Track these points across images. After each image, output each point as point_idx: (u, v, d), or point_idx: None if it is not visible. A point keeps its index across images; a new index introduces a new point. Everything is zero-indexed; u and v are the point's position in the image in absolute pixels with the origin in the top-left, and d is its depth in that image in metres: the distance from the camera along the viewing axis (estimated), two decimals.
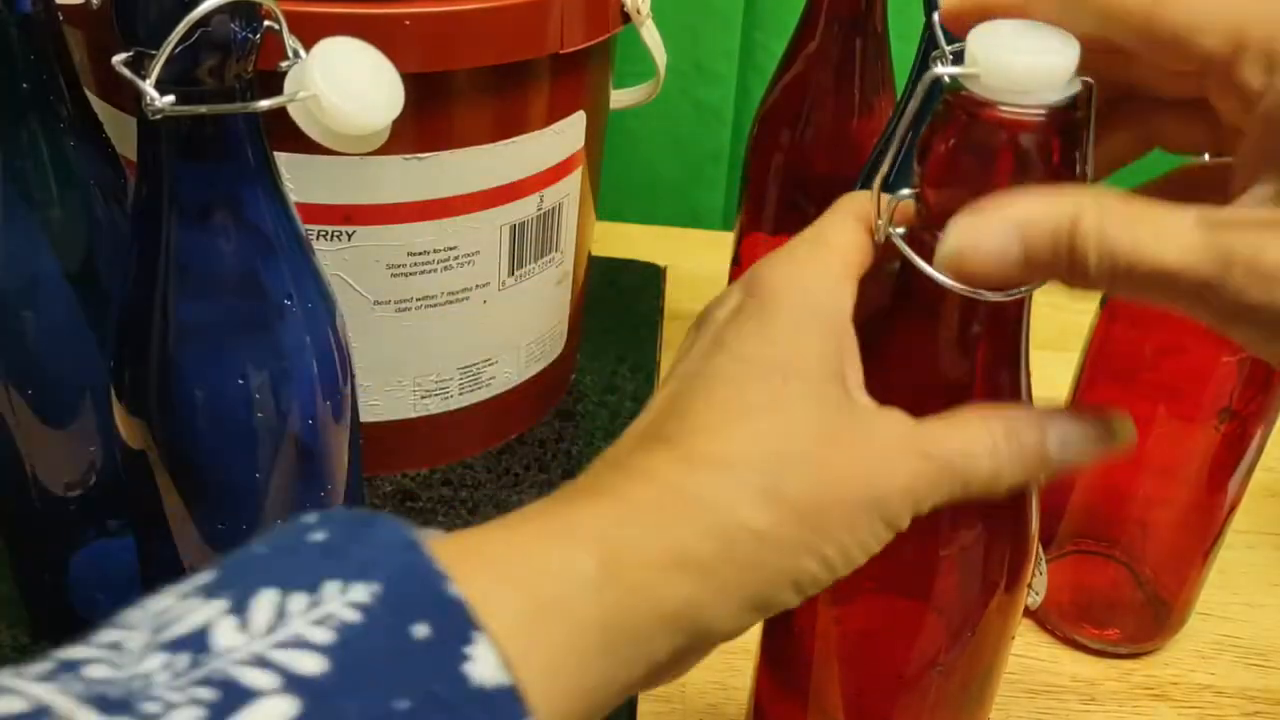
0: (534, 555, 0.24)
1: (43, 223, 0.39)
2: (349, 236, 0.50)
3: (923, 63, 0.49)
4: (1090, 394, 0.50)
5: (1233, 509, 0.49)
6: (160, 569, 0.39)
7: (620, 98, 0.62)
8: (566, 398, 0.66)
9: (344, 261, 0.50)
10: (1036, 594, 0.53)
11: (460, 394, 0.57)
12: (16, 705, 0.18)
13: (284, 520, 0.37)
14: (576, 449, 0.62)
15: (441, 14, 0.46)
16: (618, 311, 0.74)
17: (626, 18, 0.54)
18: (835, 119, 0.61)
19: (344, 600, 0.20)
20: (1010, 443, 0.27)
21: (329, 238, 0.49)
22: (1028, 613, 0.54)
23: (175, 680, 0.19)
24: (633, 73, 0.64)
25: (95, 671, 0.19)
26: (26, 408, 0.41)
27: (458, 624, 0.21)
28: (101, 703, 0.18)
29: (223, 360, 0.35)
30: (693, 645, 0.25)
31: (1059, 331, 0.64)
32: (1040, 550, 0.52)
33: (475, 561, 0.23)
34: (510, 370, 0.59)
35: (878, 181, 0.29)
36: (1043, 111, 0.27)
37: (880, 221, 0.29)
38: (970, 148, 0.27)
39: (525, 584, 0.23)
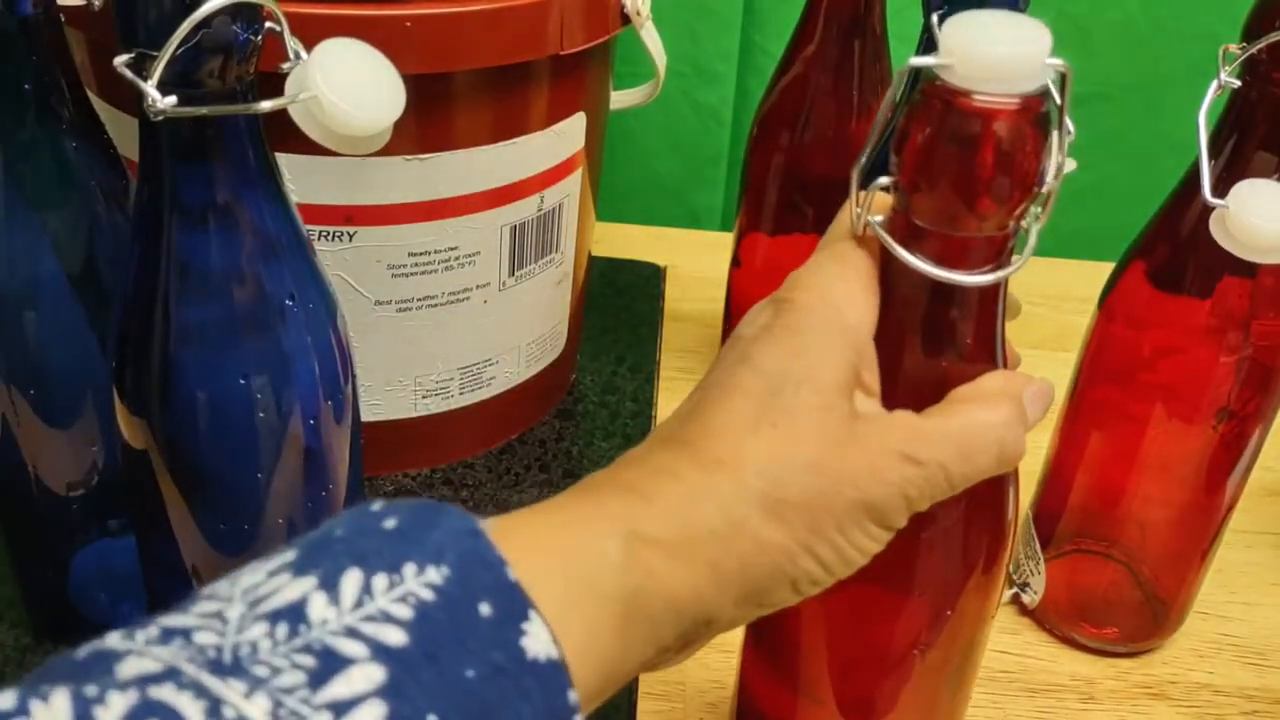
0: (570, 539, 0.26)
1: (44, 224, 0.39)
2: (350, 237, 0.50)
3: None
4: (1088, 394, 0.50)
5: (1230, 509, 0.50)
6: (162, 569, 0.39)
7: (620, 98, 0.62)
8: (566, 398, 0.66)
9: (345, 262, 0.50)
10: (1035, 593, 0.53)
11: (460, 394, 0.57)
12: (150, 666, 0.21)
13: (284, 521, 0.37)
14: (576, 449, 0.62)
15: (442, 15, 0.46)
16: (618, 311, 0.74)
17: (626, 19, 0.54)
18: (834, 120, 0.61)
19: (420, 581, 0.23)
20: (1011, 420, 0.30)
21: (330, 238, 0.50)
22: (1027, 612, 0.54)
23: (277, 648, 0.21)
24: (633, 74, 0.64)
25: (203, 638, 0.21)
26: (28, 408, 0.41)
27: (516, 604, 0.23)
28: (217, 666, 0.21)
29: (224, 361, 0.35)
30: (696, 631, 0.28)
31: (1057, 332, 0.64)
32: (1039, 550, 0.53)
33: (521, 543, 0.25)
34: (510, 370, 0.59)
35: (855, 171, 0.30)
36: (1016, 100, 0.27)
37: (858, 210, 0.30)
38: (945, 136, 0.28)
39: (562, 565, 0.26)
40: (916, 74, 0.28)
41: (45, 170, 0.39)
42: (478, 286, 0.54)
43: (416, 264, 0.52)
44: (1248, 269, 0.43)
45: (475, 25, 0.47)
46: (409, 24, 0.45)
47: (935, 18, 0.45)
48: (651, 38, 0.57)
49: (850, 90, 0.61)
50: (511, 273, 0.55)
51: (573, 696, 0.23)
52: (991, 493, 0.34)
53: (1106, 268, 0.49)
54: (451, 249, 0.52)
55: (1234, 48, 0.42)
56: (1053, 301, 0.74)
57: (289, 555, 0.24)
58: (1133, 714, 0.50)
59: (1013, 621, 0.54)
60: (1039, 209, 0.30)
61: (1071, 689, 0.51)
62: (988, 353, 0.32)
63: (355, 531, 0.24)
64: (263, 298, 0.35)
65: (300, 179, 0.46)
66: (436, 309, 0.53)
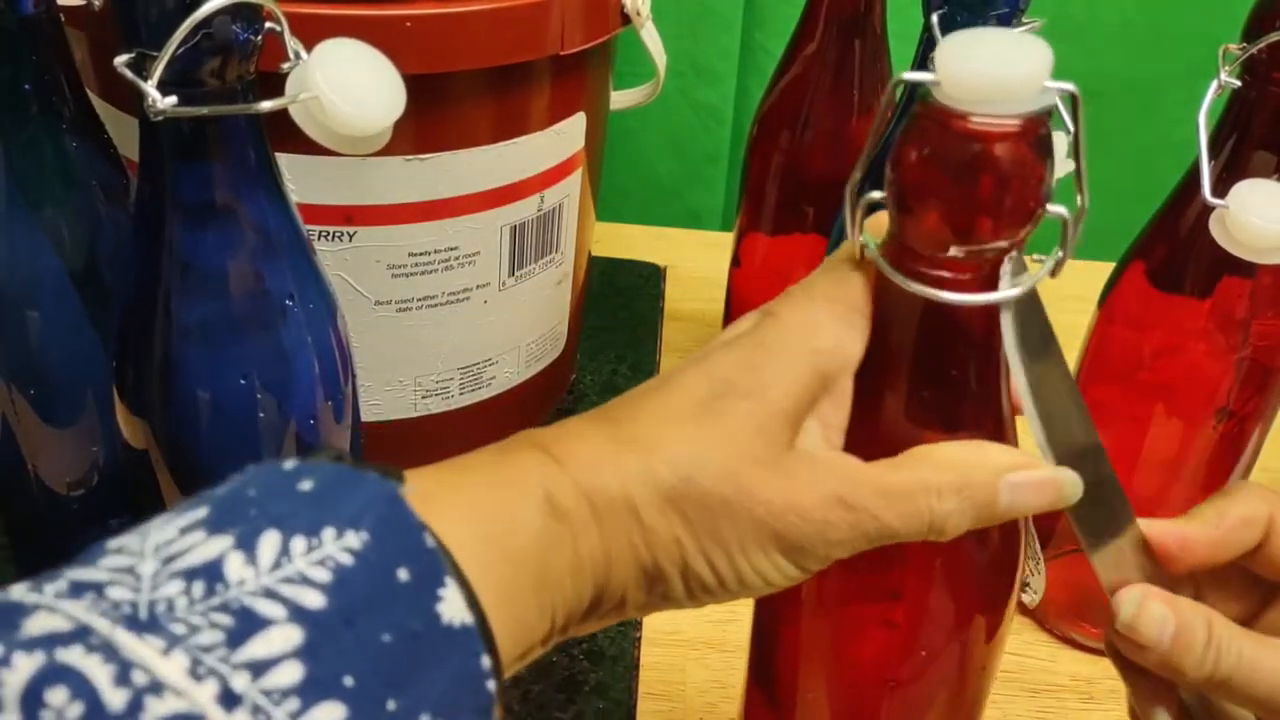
0: (489, 502, 0.26)
1: (45, 223, 0.39)
2: (350, 237, 0.50)
3: (920, 64, 0.49)
4: (1088, 394, 0.49)
5: None
6: None
7: (620, 98, 0.62)
8: (566, 398, 0.66)
9: (345, 262, 0.50)
10: (1035, 593, 0.53)
11: (460, 394, 0.57)
12: (60, 623, 0.20)
13: None
14: None
15: (442, 16, 0.46)
16: (618, 311, 0.74)
17: (626, 19, 0.54)
18: (834, 120, 0.61)
19: (339, 545, 0.23)
20: (961, 497, 0.28)
21: (330, 238, 0.50)
22: (1026, 612, 0.54)
23: (194, 606, 0.21)
24: (633, 73, 0.64)
25: (116, 593, 0.21)
26: (29, 407, 0.41)
27: (433, 570, 0.23)
28: (133, 622, 0.20)
29: (224, 360, 0.35)
30: (597, 601, 0.27)
31: (1057, 331, 0.64)
32: (1039, 549, 0.53)
33: (440, 506, 0.25)
34: (510, 370, 0.59)
35: (850, 189, 0.29)
36: (1013, 123, 0.26)
37: (853, 230, 0.29)
38: (935, 157, 0.27)
39: (481, 529, 0.25)
40: (912, 86, 0.27)
41: (46, 169, 0.39)
42: (478, 286, 0.54)
43: (416, 264, 0.52)
44: (1247, 269, 0.43)
45: (475, 25, 0.47)
46: (409, 24, 0.45)
47: (935, 18, 0.45)
48: (651, 37, 0.57)
49: (850, 89, 0.61)
50: (511, 273, 0.55)
51: (486, 661, 0.23)
52: (1004, 535, 0.33)
53: (1106, 268, 0.49)
54: (451, 249, 0.52)
55: (1234, 48, 0.42)
56: (1052, 301, 0.74)
57: (201, 512, 0.23)
58: None
59: (1013, 621, 0.54)
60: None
61: (1071, 689, 0.51)
62: (979, 413, 0.30)
63: (270, 492, 0.24)
64: (263, 297, 0.35)
65: (300, 179, 0.46)
66: (436, 309, 0.53)
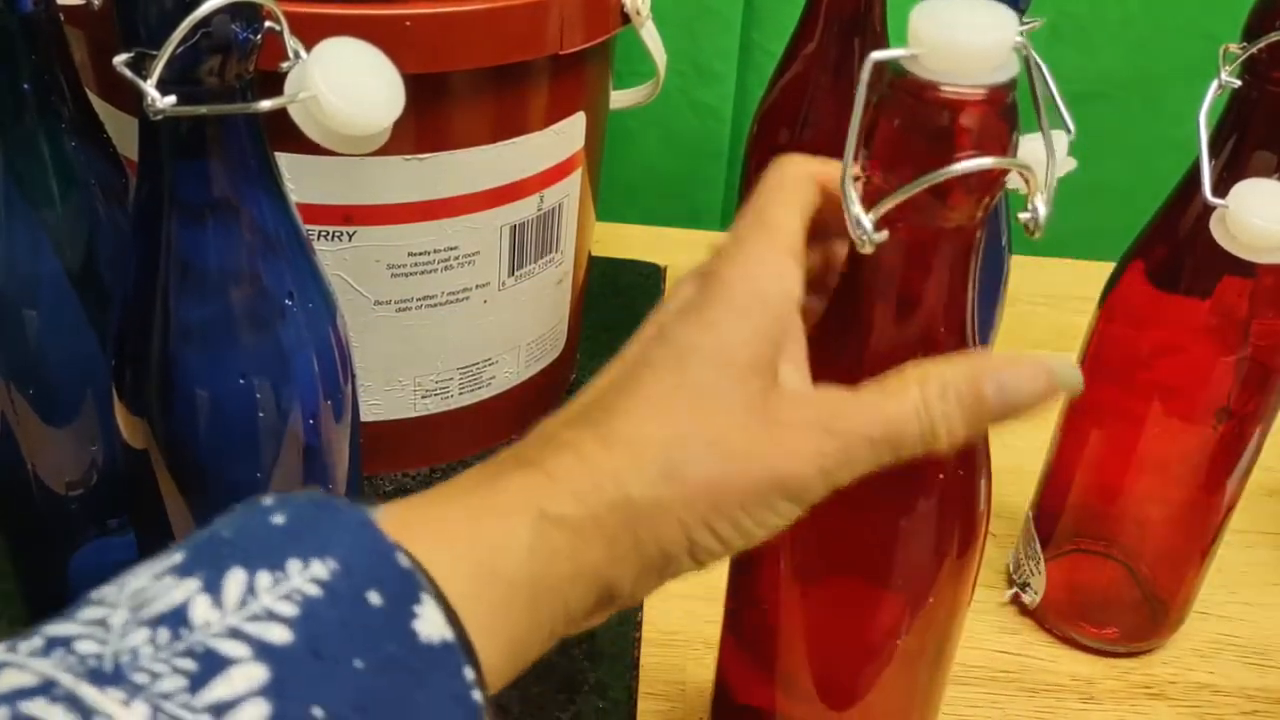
0: (474, 526, 0.26)
1: (44, 222, 0.39)
2: (349, 237, 0.50)
3: None
4: (1088, 394, 0.49)
5: (1230, 508, 0.50)
6: None
7: (620, 98, 0.62)
8: (566, 397, 0.66)
9: (344, 261, 0.50)
10: (1035, 593, 0.53)
11: (460, 394, 0.57)
12: (26, 679, 0.20)
13: None
14: None
15: (442, 15, 0.46)
16: (618, 311, 0.74)
17: (626, 18, 0.54)
18: (834, 119, 0.61)
19: (305, 576, 0.22)
20: (945, 400, 0.28)
21: (329, 238, 0.49)
22: (1026, 612, 0.54)
23: (158, 653, 0.21)
24: (632, 73, 0.64)
25: (84, 647, 0.21)
26: (27, 407, 0.41)
27: (406, 589, 0.23)
28: (97, 676, 0.20)
29: (224, 360, 0.35)
30: (603, 601, 0.28)
31: (1057, 332, 0.64)
32: (1039, 549, 0.53)
33: (421, 532, 0.25)
34: (510, 370, 0.59)
35: (846, 181, 0.29)
36: (983, 91, 0.27)
37: (857, 216, 0.29)
38: (911, 129, 0.28)
39: (466, 552, 0.25)
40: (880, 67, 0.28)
41: (44, 169, 0.38)
42: (477, 286, 0.54)
43: (416, 264, 0.51)
44: (1248, 269, 0.43)
45: (475, 25, 0.47)
46: (409, 23, 0.45)
47: None
48: (651, 37, 0.57)
49: (850, 89, 0.60)
50: (511, 272, 0.55)
51: (469, 675, 0.23)
52: (963, 481, 0.34)
53: (1107, 267, 0.49)
54: (451, 249, 0.52)
55: (1234, 47, 0.42)
56: (1053, 301, 0.74)
57: (176, 557, 0.23)
58: (1133, 714, 0.50)
59: (1012, 621, 0.54)
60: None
61: (1071, 689, 0.51)
62: (953, 320, 0.31)
63: (242, 531, 0.24)
64: (262, 297, 0.35)
65: (299, 178, 0.46)
66: (436, 309, 0.53)
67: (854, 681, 0.38)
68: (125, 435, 0.36)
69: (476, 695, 0.23)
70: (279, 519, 0.24)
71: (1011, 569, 0.55)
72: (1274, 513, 0.61)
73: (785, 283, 0.30)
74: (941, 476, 0.34)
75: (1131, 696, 0.51)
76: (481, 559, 0.26)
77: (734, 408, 0.28)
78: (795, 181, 0.32)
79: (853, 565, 0.36)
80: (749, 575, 0.38)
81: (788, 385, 0.29)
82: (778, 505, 0.28)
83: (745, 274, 0.30)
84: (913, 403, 0.28)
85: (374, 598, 0.23)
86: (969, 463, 0.34)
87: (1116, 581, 0.53)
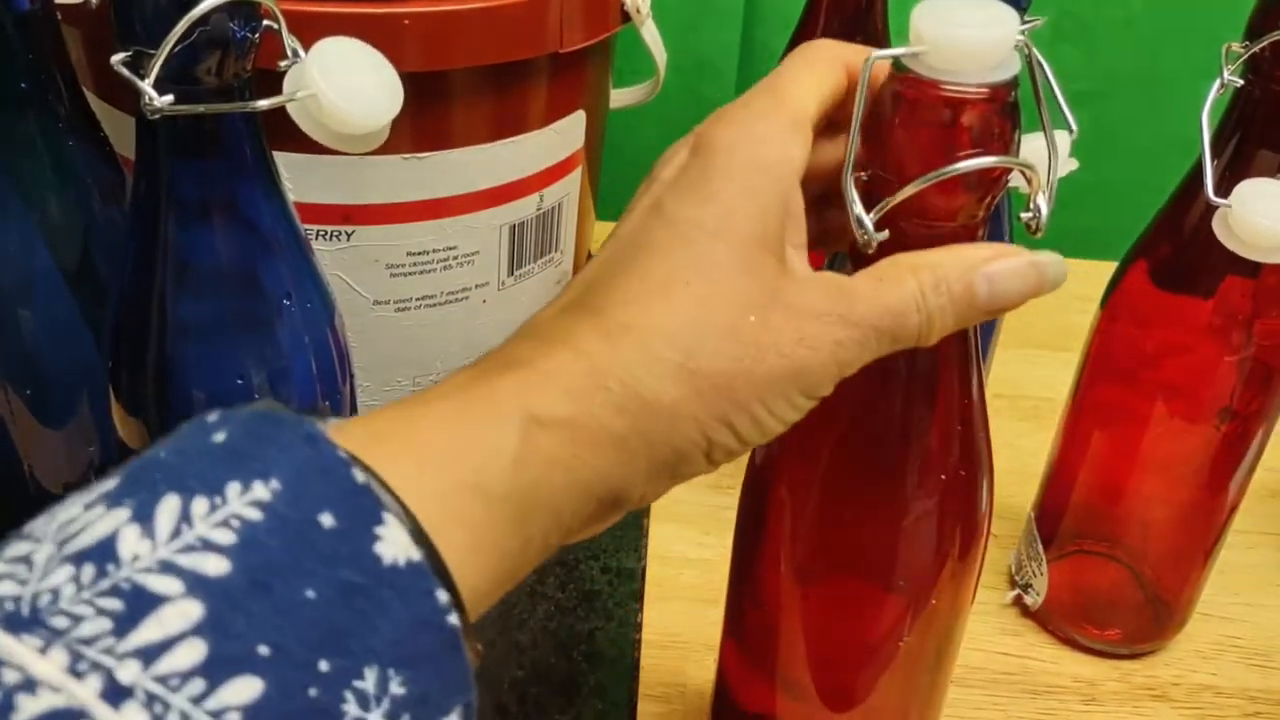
0: (453, 434, 0.24)
1: (40, 221, 0.39)
2: (348, 236, 0.50)
3: None
4: (1091, 394, 0.50)
5: (1233, 509, 0.49)
6: None
7: (620, 96, 0.62)
8: None
9: (343, 261, 0.50)
10: (1038, 594, 0.53)
11: None
12: None
13: None
14: None
15: (440, 13, 0.46)
16: None
17: (626, 16, 0.54)
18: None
19: (245, 500, 0.20)
20: (938, 293, 0.27)
21: (328, 237, 0.49)
22: (1029, 613, 0.54)
23: (81, 593, 0.19)
24: (633, 71, 0.64)
25: (4, 589, 0.19)
26: (24, 407, 0.41)
27: (365, 508, 0.21)
28: (12, 621, 0.19)
29: (221, 360, 0.35)
30: (607, 508, 0.26)
31: (1059, 331, 0.64)
32: (1041, 550, 0.52)
33: (391, 445, 0.23)
34: None
35: (849, 180, 0.29)
36: (985, 90, 0.27)
37: (855, 210, 0.28)
38: (917, 129, 0.28)
39: (443, 465, 0.23)
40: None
41: (41, 167, 0.38)
42: (477, 286, 0.54)
43: (415, 263, 0.51)
44: (1250, 268, 0.43)
45: (474, 23, 0.47)
46: (407, 22, 0.44)
47: None
48: (652, 35, 0.57)
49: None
50: (511, 272, 0.55)
51: (442, 598, 0.21)
52: (965, 482, 0.34)
53: (1109, 267, 0.49)
54: (450, 248, 0.52)
55: (1237, 46, 0.42)
56: (1055, 300, 0.74)
57: (109, 484, 0.21)
58: (1135, 715, 0.50)
59: (1015, 623, 0.54)
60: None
61: (1074, 690, 0.51)
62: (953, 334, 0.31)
63: (180, 451, 0.21)
64: (260, 296, 0.35)
65: (298, 178, 0.46)
66: (435, 308, 0.53)
67: (855, 684, 0.37)
68: (122, 435, 0.36)
69: (452, 619, 0.21)
70: (220, 436, 0.21)
71: (1013, 570, 0.55)
72: (1276, 514, 0.61)
73: (788, 148, 0.27)
74: (943, 477, 0.34)
75: (1134, 698, 0.51)
76: (458, 472, 0.23)
77: (747, 291, 0.26)
78: (820, 63, 0.29)
79: (854, 566, 0.36)
80: (750, 577, 0.38)
81: (796, 267, 0.27)
82: (794, 399, 0.26)
83: (745, 137, 0.27)
84: (912, 294, 0.27)
85: (326, 519, 0.20)
86: (971, 463, 0.34)
87: (1119, 583, 0.53)
